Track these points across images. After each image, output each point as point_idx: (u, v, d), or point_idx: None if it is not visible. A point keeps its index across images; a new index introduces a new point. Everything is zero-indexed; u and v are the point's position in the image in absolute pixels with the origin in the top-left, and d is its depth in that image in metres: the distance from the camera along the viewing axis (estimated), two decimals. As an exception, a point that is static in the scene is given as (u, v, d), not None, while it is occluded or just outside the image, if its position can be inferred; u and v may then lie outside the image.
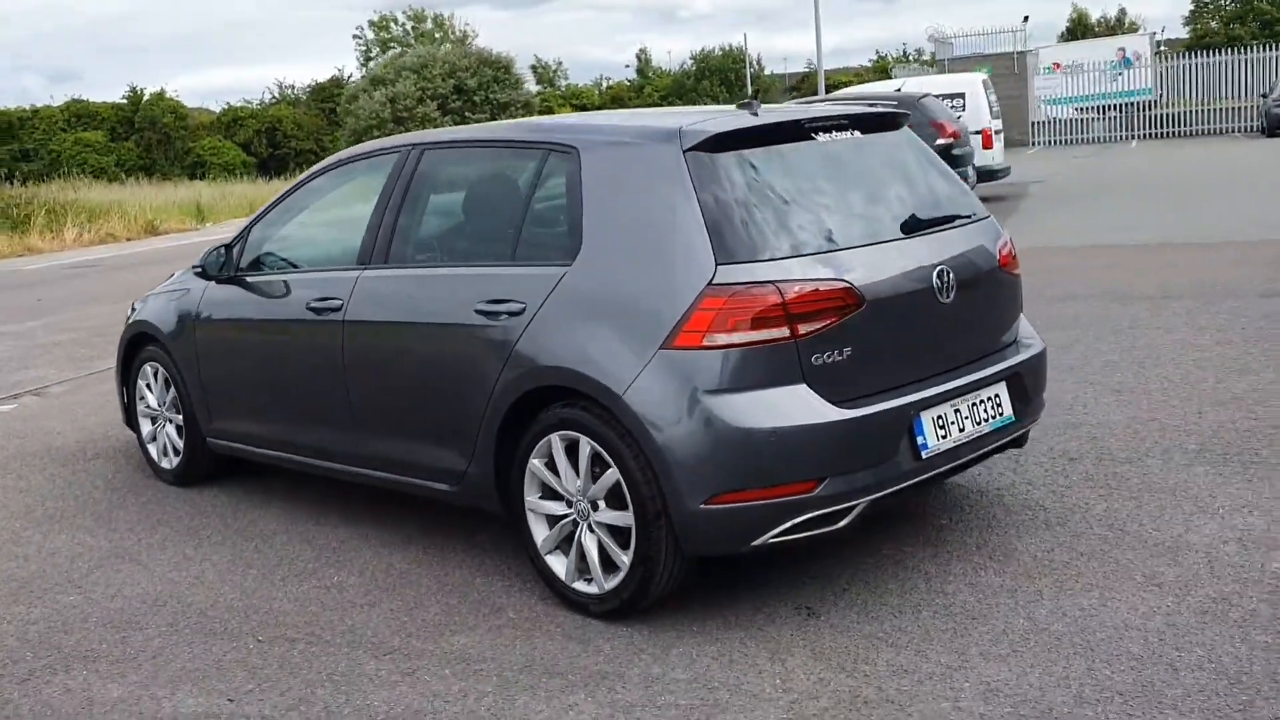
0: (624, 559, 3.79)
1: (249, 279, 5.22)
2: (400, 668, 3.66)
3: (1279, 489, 4.66)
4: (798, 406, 3.57)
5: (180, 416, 5.70)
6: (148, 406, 5.97)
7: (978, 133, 17.98)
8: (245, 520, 5.26)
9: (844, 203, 4.00)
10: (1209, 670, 3.28)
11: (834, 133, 4.10)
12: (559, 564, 4.01)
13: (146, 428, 6.01)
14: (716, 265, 3.59)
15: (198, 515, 5.38)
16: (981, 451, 4.07)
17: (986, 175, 17.95)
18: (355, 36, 63.93)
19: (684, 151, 3.77)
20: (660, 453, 3.60)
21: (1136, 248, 11.92)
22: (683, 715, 3.25)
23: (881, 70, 55.66)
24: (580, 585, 3.95)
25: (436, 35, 61.56)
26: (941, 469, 3.90)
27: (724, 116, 4.05)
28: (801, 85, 62.68)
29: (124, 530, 5.24)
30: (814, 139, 4.04)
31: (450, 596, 4.21)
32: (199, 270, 5.42)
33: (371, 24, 63.00)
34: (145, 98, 57.77)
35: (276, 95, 62.04)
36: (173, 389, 5.73)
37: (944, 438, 3.88)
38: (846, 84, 41.31)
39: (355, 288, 4.62)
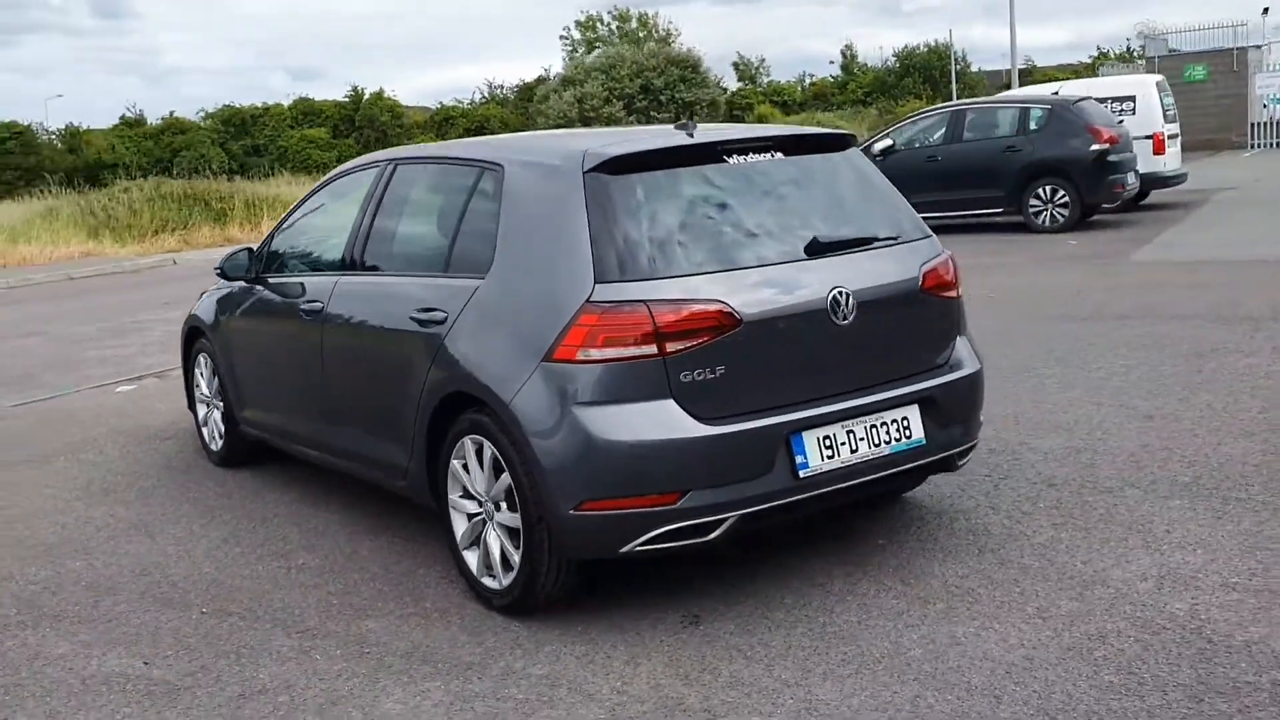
0: (516, 558, 4.01)
1: (268, 279, 5.67)
2: (300, 646, 3.98)
3: (1243, 527, 4.46)
4: (662, 421, 3.70)
5: (223, 404, 6.22)
6: (201, 393, 6.53)
7: (1147, 137, 17.15)
8: (257, 502, 5.71)
9: (741, 224, 4.08)
10: (1030, 706, 3.25)
11: (750, 155, 4.18)
12: (471, 559, 4.25)
13: (201, 412, 6.58)
14: (595, 284, 3.76)
15: (222, 495, 5.87)
16: (885, 473, 4.08)
17: (1156, 182, 17.14)
18: (562, 36, 65.53)
19: (584, 173, 3.95)
20: (537, 460, 3.80)
21: (1283, 264, 11.22)
22: (514, 708, 3.44)
23: (1094, 67, 53.30)
24: (486, 580, 4.18)
25: (640, 34, 62.53)
26: (828, 489, 3.94)
27: (642, 138, 4.21)
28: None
29: (155, 505, 5.78)
30: (725, 161, 4.14)
31: (386, 583, 4.51)
32: (218, 271, 5.90)
33: (578, 24, 64.45)
34: (365, 96, 60.88)
35: (486, 94, 64.33)
36: (217, 378, 6.26)
37: (830, 458, 3.92)
38: (1052, 80, 39.74)
39: (333, 291, 4.99)
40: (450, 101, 63.57)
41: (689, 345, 3.73)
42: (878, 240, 4.29)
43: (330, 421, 5.10)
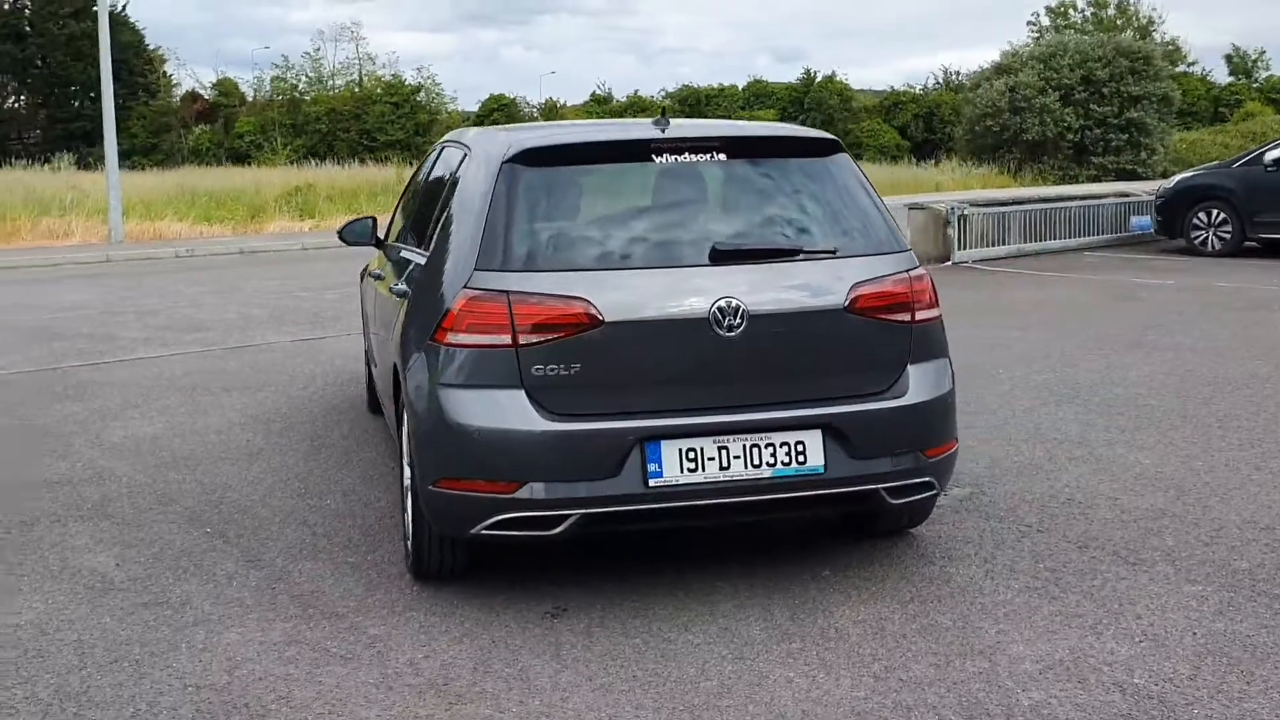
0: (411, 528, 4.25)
1: (384, 244, 6.20)
2: (242, 576, 4.45)
3: (1158, 605, 3.84)
4: (508, 411, 3.77)
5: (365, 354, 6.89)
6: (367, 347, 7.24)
7: None
8: (341, 448, 6.28)
9: (641, 225, 4.01)
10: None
11: (687, 155, 4.08)
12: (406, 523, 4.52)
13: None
14: (474, 271, 3.88)
15: (343, 439, 6.51)
16: (763, 497, 3.88)
17: None
18: (1030, 23, 62.40)
19: (502, 162, 4.06)
20: (411, 434, 4.02)
21: None
22: (319, 658, 3.69)
23: None
24: (407, 546, 4.43)
25: (1118, 21, 58.26)
26: (684, 503, 3.82)
27: (584, 131, 4.24)
28: None
29: (285, 440, 6.52)
30: (652, 160, 4.08)
31: (341, 541, 4.88)
32: (338, 234, 6.47)
33: (1048, 9, 61.11)
34: (817, 80, 61.56)
35: (940, 81, 62.83)
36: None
37: (692, 472, 3.80)
38: None
39: (393, 258, 5.42)
40: (901, 86, 62.73)
41: (542, 339, 3.76)
42: (804, 252, 4.04)
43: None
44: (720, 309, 3.81)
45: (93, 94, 57.66)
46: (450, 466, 3.86)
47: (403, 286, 4.58)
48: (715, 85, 62.30)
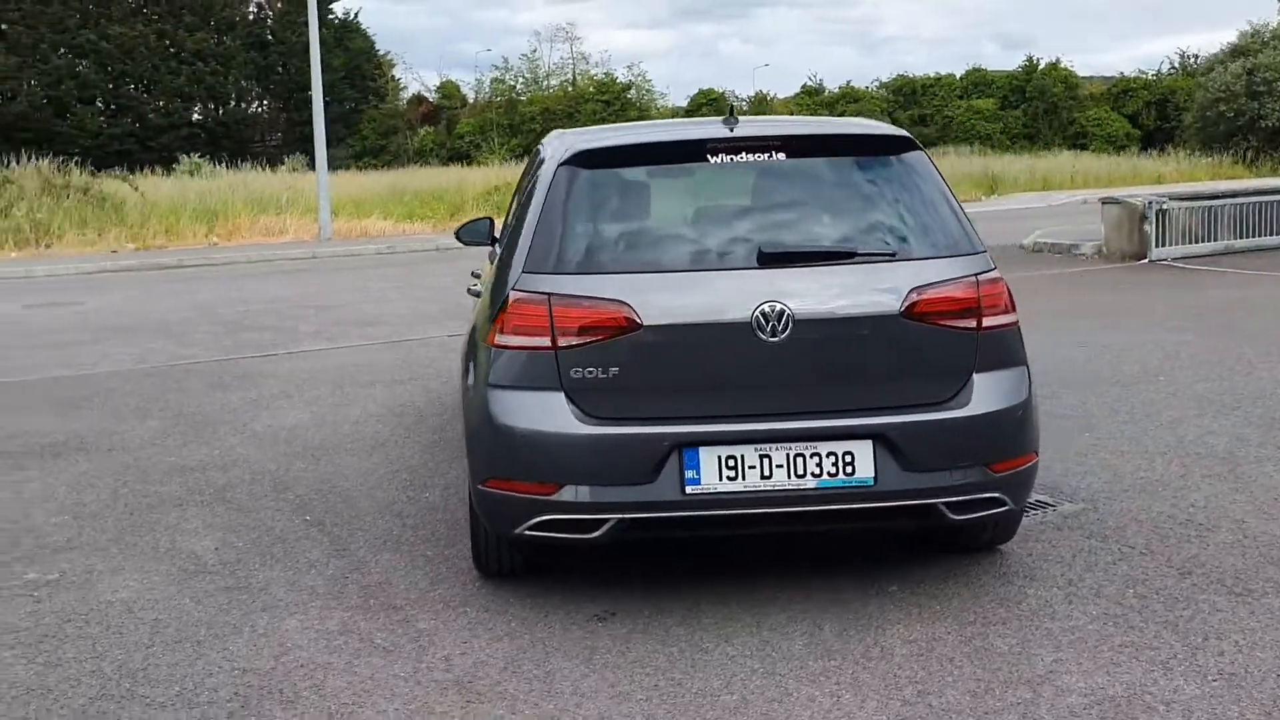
0: (477, 525, 4.32)
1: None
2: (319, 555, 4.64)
3: (1249, 641, 3.46)
4: (547, 413, 3.78)
5: None
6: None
7: None
8: (458, 444, 6.39)
9: (689, 227, 3.94)
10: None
11: (744, 155, 4.00)
12: (485, 519, 4.59)
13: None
14: (522, 272, 3.91)
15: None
16: (808, 508, 3.75)
17: None
18: (1281, 0, 58.11)
19: (558, 165, 4.08)
20: (465, 433, 4.09)
21: None
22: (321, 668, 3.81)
23: None
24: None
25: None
26: (722, 511, 3.74)
27: (647, 132, 4.20)
28: None
29: (411, 433, 6.76)
30: (708, 160, 4.01)
31: (425, 534, 4.99)
32: (456, 234, 6.60)
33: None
34: (1040, 67, 59.10)
35: (1175, 66, 59.27)
36: None
37: (732, 480, 3.71)
38: None
39: (490, 261, 5.52)
40: (1132, 72, 59.52)
41: (581, 342, 3.75)
42: (858, 255, 3.88)
43: None
44: (764, 314, 3.72)
45: (327, 98, 61.14)
46: (496, 466, 3.90)
47: (477, 288, 4.65)
48: (932, 75, 60.66)
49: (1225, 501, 5.01)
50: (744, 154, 4.01)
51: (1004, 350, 3.96)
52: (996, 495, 3.91)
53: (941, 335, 3.84)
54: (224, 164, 39.87)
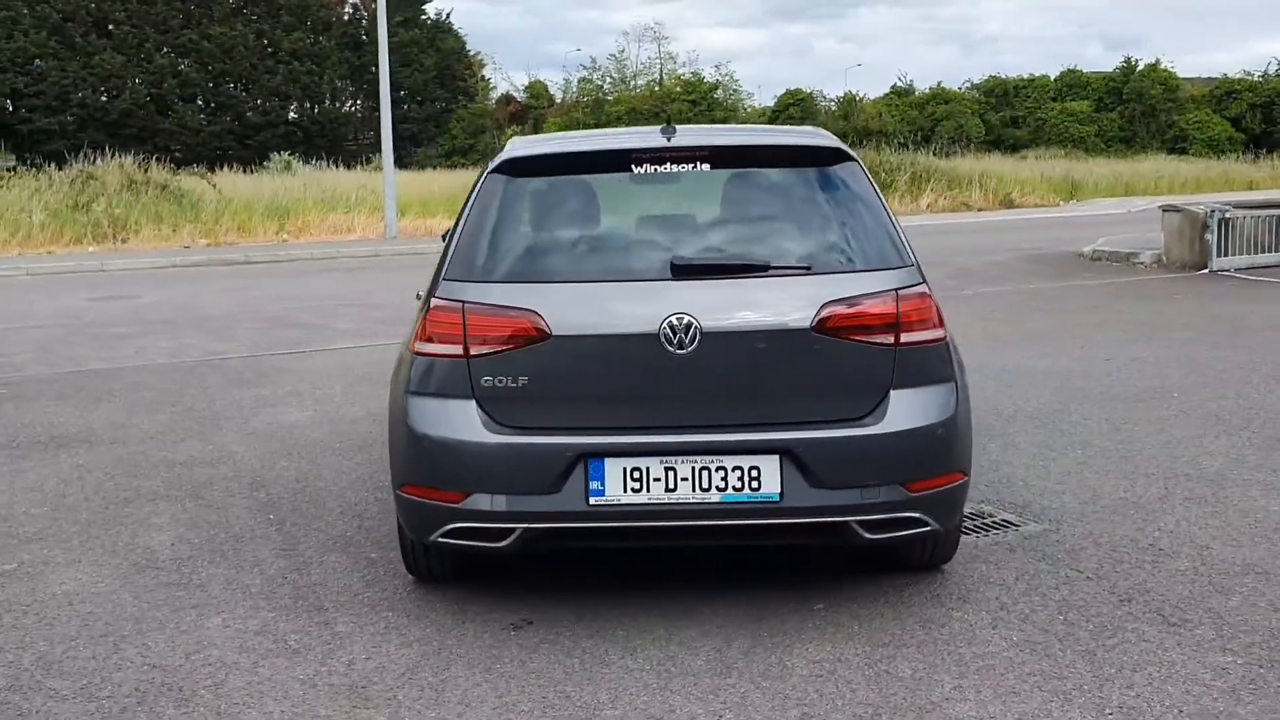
0: (410, 531, 4.35)
1: None
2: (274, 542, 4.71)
3: (1163, 674, 3.32)
4: (458, 421, 3.80)
5: None
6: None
7: None
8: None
9: (606, 236, 3.92)
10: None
11: (669, 165, 3.97)
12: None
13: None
14: (443, 280, 3.93)
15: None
16: (713, 523, 3.71)
17: None
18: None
19: (488, 173, 4.09)
20: (389, 439, 4.12)
21: None
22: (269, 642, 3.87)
23: None
24: (408, 546, 4.52)
25: None
26: (627, 524, 3.71)
27: (589, 139, 4.20)
28: None
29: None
30: (631, 170, 3.98)
31: (379, 536, 5.03)
32: (444, 235, 6.62)
33: None
34: (1138, 68, 57.58)
35: (1281, 67, 57.26)
36: None
37: (636, 492, 3.69)
38: None
39: None
40: (1237, 74, 57.64)
41: (492, 351, 3.76)
42: (773, 268, 3.82)
43: None
44: (671, 326, 3.68)
45: (419, 98, 62.06)
46: (411, 473, 3.93)
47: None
48: (1025, 75, 59.47)
49: (1195, 526, 4.83)
50: (669, 164, 3.97)
51: (927, 367, 3.87)
52: (916, 515, 3.83)
53: (856, 351, 3.76)
54: (319, 162, 40.76)
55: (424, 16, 62.22)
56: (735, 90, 64.74)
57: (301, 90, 59.52)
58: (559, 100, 65.72)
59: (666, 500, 3.70)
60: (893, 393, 3.80)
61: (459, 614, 4.10)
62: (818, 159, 4.08)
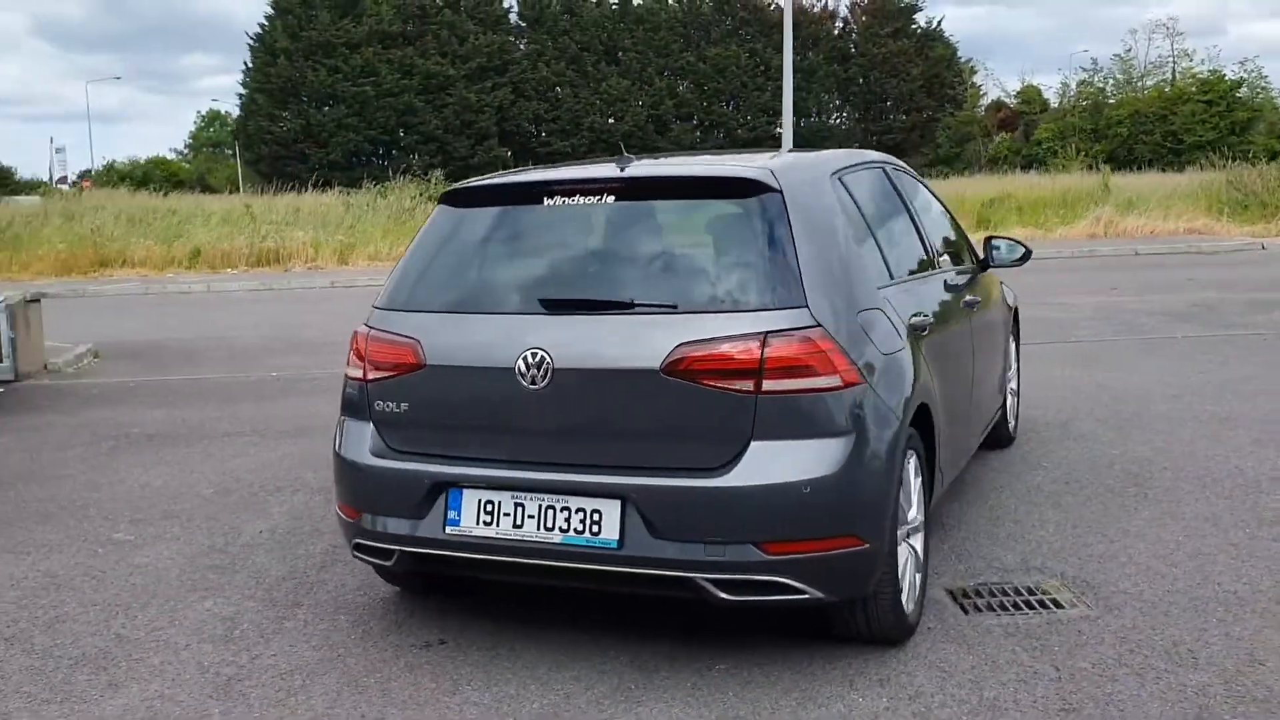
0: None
1: None
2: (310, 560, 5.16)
3: None
4: (358, 441, 3.99)
5: None
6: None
7: None
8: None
9: (501, 269, 3.91)
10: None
11: (578, 198, 3.90)
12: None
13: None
14: (373, 306, 4.15)
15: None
16: (559, 564, 3.60)
17: None
18: None
19: (438, 203, 4.26)
20: None
21: None
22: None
23: None
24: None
25: None
26: (479, 556, 3.69)
27: (522, 173, 4.24)
28: None
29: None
30: (542, 203, 3.96)
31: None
32: None
33: None
34: None
35: None
36: None
37: (488, 525, 3.67)
38: None
39: None
40: None
41: (382, 376, 3.92)
42: (638, 305, 3.62)
43: None
44: (526, 361, 3.63)
45: (904, 108, 61.74)
46: (337, 491, 4.17)
47: None
48: None
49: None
50: (577, 197, 3.91)
51: (804, 418, 3.49)
52: (780, 580, 3.48)
53: (710, 396, 3.49)
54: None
55: (914, 26, 61.73)
56: (1263, 88, 58.21)
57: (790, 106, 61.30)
58: (1055, 105, 62.60)
59: (513, 536, 3.65)
60: (753, 444, 3.48)
61: (389, 628, 4.22)
62: (731, 192, 3.82)
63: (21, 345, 9.86)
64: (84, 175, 62.20)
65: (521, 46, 60.38)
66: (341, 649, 4.08)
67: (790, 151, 4.81)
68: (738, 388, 3.46)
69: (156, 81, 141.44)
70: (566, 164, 5.22)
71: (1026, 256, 5.89)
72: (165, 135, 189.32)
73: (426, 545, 3.80)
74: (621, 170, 3.98)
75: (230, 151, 67.69)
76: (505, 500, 3.67)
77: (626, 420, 3.58)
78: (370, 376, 3.95)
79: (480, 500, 3.71)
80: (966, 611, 4.22)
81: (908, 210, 4.92)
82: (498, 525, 3.67)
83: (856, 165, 4.58)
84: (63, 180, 58.58)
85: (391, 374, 3.89)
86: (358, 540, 4.01)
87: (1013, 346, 6.63)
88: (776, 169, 3.86)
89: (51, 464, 6.97)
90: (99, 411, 8.68)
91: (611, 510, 3.54)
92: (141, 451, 7.25)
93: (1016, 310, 6.72)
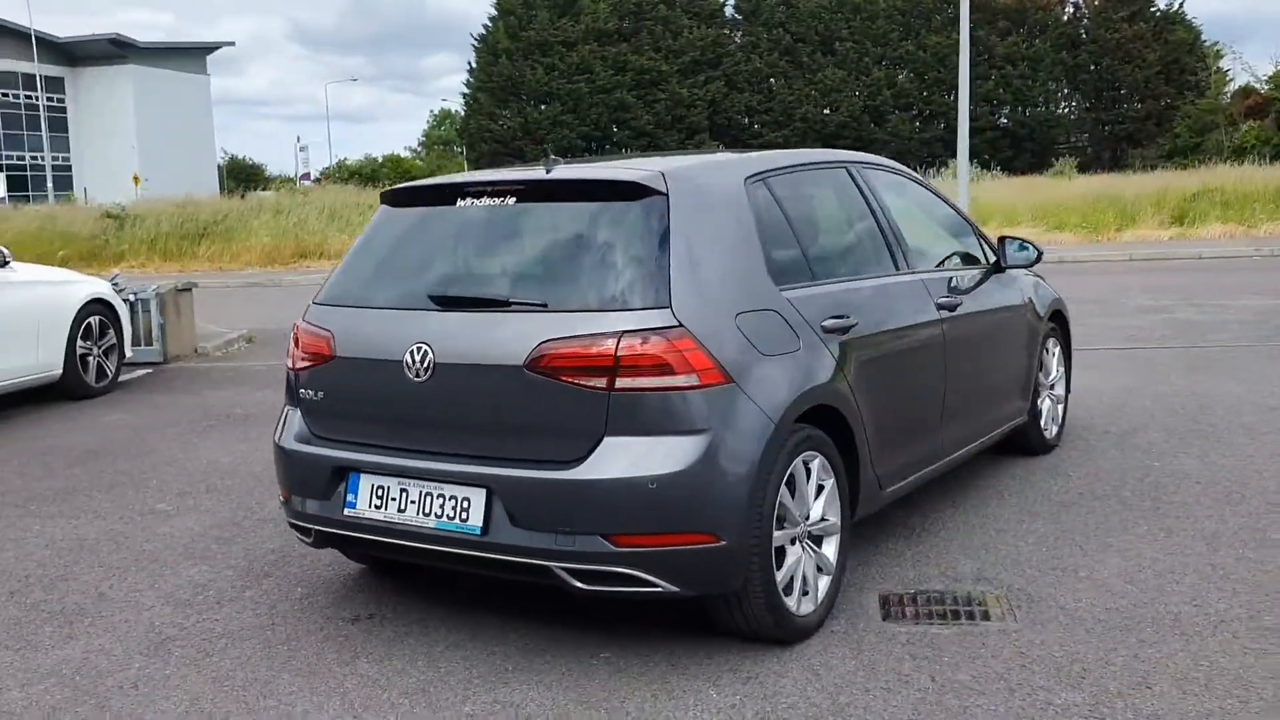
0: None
1: None
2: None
3: None
4: (288, 427, 4.29)
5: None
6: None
7: None
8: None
9: (410, 266, 4.12)
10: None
11: (485, 199, 4.08)
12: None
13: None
14: (311, 301, 4.44)
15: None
16: (437, 548, 3.79)
17: None
18: None
19: (380, 202, 4.53)
20: None
21: None
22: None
23: None
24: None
25: None
26: (373, 537, 3.93)
27: (459, 176, 4.44)
28: None
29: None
30: (454, 204, 4.15)
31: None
32: None
33: None
34: None
35: None
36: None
37: (378, 508, 3.90)
38: None
39: None
40: None
41: (303, 366, 4.21)
42: (513, 303, 3.77)
43: None
44: (412, 354, 3.84)
45: (1139, 98, 58.54)
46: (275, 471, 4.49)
47: None
48: None
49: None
50: (485, 199, 4.09)
51: (658, 416, 3.56)
52: (629, 572, 3.57)
53: (566, 393, 3.60)
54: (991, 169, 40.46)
55: (1153, 9, 58.45)
56: None
57: (1012, 95, 59.21)
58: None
59: (397, 520, 3.86)
60: (606, 439, 3.57)
61: (315, 603, 4.49)
62: (621, 195, 3.91)
63: (171, 330, 10.78)
64: (324, 172, 66.38)
65: (736, 39, 60.59)
66: (278, 618, 4.39)
67: (730, 154, 4.80)
68: (592, 385, 3.57)
69: (402, 81, 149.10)
70: (506, 168, 5.40)
71: (1038, 258, 5.71)
72: (407, 133, 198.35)
73: (331, 525, 4.06)
74: (548, 172, 4.14)
75: (459, 149, 70.76)
76: (393, 486, 3.89)
77: (496, 413, 3.74)
78: (298, 366, 4.25)
79: (373, 485, 3.94)
80: (887, 618, 4.16)
81: (872, 211, 4.86)
82: (386, 509, 3.90)
83: (796, 167, 4.58)
84: (305, 176, 62.76)
85: (312, 364, 4.17)
86: (289, 518, 4.31)
87: (1054, 351, 6.37)
88: (670, 172, 3.93)
89: (148, 440, 7.65)
90: (220, 392, 9.42)
91: (478, 499, 3.71)
92: (231, 431, 7.86)
93: (1059, 313, 6.45)
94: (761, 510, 3.71)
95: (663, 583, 3.59)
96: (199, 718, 3.59)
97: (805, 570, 3.99)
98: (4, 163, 58.25)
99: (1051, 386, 6.35)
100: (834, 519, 4.14)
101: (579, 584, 3.62)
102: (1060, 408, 6.49)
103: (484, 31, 58.92)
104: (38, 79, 54.94)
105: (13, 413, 8.67)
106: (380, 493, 3.92)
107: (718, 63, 58.46)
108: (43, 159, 57.47)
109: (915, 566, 4.68)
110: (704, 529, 3.58)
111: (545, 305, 3.75)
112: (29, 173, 59.91)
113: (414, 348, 3.84)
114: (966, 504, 5.46)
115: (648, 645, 3.97)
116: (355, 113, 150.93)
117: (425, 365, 3.81)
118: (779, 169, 4.44)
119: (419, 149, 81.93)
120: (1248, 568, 4.50)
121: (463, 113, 63.63)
